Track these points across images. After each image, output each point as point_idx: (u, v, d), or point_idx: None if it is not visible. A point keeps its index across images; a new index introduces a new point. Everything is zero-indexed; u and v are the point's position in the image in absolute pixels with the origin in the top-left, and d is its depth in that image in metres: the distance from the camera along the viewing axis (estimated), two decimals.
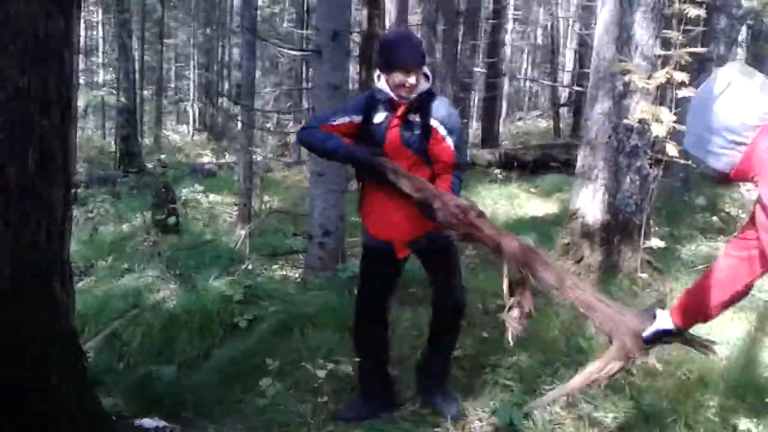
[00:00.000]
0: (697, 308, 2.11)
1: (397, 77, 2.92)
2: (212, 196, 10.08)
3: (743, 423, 2.87)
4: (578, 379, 2.36)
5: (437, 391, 3.31)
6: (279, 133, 14.23)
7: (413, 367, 3.69)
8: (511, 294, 2.53)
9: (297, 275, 5.55)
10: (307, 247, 5.30)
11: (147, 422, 3.16)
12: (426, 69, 3.03)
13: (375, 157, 2.95)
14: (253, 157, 8.47)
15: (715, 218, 6.89)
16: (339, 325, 4.24)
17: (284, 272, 5.69)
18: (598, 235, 4.60)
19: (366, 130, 3.05)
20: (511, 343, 2.55)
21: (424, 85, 3.01)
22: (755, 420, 2.93)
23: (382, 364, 3.37)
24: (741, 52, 13.28)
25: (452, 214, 2.65)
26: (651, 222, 4.67)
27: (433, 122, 2.99)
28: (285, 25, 23.98)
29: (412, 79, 2.93)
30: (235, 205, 9.30)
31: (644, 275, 4.33)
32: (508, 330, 2.53)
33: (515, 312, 2.52)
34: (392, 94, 2.97)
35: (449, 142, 3.00)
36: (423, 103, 3.00)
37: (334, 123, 3.04)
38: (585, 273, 4.47)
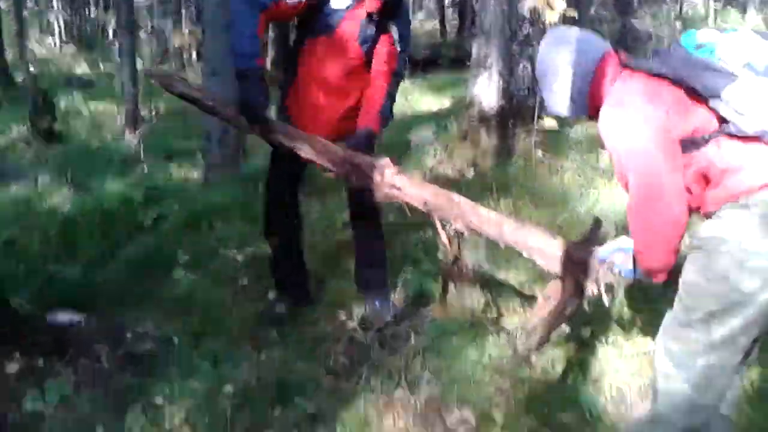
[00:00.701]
0: None
1: None
2: (93, 105, 9.54)
3: None
4: (547, 323, 2.37)
5: (375, 295, 3.24)
6: (159, 38, 13.47)
7: (323, 253, 3.80)
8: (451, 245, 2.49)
9: (197, 175, 5.45)
10: (206, 146, 5.20)
11: (60, 316, 3.11)
12: None
13: (263, 116, 2.75)
14: (137, 60, 8.03)
15: None
16: (250, 218, 4.24)
17: (183, 174, 5.57)
18: (494, 119, 4.79)
19: (314, 12, 2.80)
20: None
21: None
22: None
23: (297, 256, 3.30)
24: None
25: (367, 176, 2.47)
26: (542, 105, 4.89)
27: (392, 27, 2.86)
28: None
29: None
30: (118, 114, 8.88)
31: (538, 153, 4.59)
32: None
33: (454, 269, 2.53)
34: None
35: (398, 47, 2.88)
36: (394, 6, 2.82)
37: (288, 2, 2.73)
38: (483, 156, 4.68)
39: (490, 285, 3.34)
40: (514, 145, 4.77)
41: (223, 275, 3.53)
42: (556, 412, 2.55)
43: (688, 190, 1.88)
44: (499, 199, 4.17)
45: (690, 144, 1.86)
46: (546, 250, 2.37)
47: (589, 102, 2.07)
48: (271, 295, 3.33)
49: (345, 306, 3.26)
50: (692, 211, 1.92)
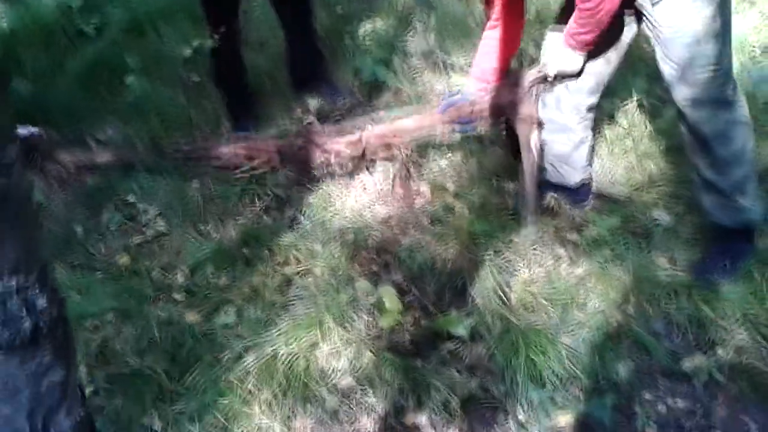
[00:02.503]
0: None
1: None
2: None
3: None
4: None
5: (319, 82, 3.29)
6: None
7: (280, 55, 3.75)
8: None
9: None
10: None
11: (19, 130, 3.13)
12: None
13: None
14: None
15: None
16: (194, 16, 4.11)
17: None
18: None
19: None
20: None
21: None
22: None
23: (242, 78, 3.27)
24: None
25: None
26: None
27: None
28: None
29: None
30: None
31: None
32: None
33: None
34: None
35: None
36: None
37: None
38: None
39: (442, 68, 3.41)
40: None
41: (175, 77, 3.52)
42: (502, 181, 2.77)
43: None
44: None
45: None
46: None
47: None
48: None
49: (300, 100, 3.32)
50: None
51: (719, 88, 2.06)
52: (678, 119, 2.22)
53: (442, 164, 2.87)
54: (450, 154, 2.92)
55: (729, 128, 2.12)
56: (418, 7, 3.80)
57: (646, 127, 2.83)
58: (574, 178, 2.57)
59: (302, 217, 2.67)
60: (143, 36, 4.00)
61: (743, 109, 2.16)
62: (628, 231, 2.49)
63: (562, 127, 2.44)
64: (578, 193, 2.60)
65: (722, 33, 1.99)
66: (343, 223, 2.61)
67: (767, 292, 2.20)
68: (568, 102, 2.38)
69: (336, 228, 2.59)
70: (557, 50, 2.22)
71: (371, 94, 3.37)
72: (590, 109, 2.41)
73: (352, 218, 2.65)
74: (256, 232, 2.57)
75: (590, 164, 2.64)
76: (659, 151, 2.80)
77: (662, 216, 2.52)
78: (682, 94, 2.08)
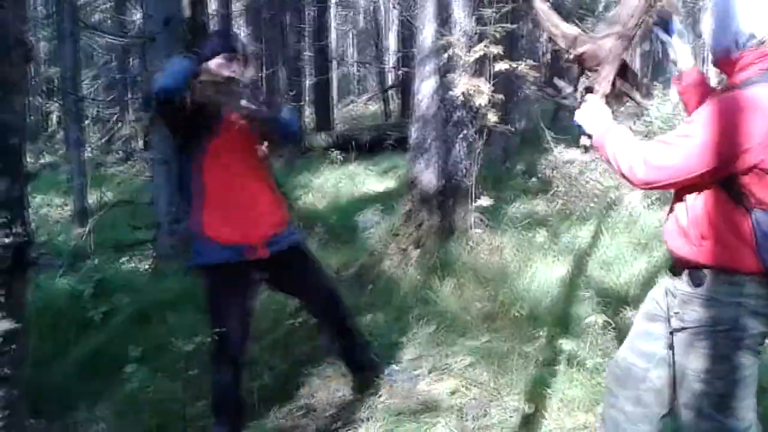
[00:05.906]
0: None
1: None
2: (39, 198, 9.48)
3: (567, 344, 3.36)
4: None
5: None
6: (106, 125, 13.52)
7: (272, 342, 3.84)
8: None
9: (147, 266, 5.48)
10: (156, 236, 5.26)
11: None
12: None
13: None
14: (85, 150, 8.10)
15: (533, 180, 7.64)
16: (201, 308, 4.29)
17: (133, 265, 5.58)
18: (435, 199, 4.99)
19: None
20: None
21: None
22: (576, 340, 3.45)
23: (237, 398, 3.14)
24: None
25: None
26: (479, 185, 5.14)
27: None
28: (96, 16, 22.52)
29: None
30: (66, 204, 8.88)
31: (478, 231, 4.79)
32: None
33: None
34: None
35: None
36: None
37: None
38: (426, 235, 4.86)
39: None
40: (454, 224, 4.97)
41: (173, 368, 3.55)
42: None
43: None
44: (444, 277, 4.33)
45: None
46: None
47: (729, 56, 1.98)
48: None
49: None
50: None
51: None
52: None
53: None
54: None
55: None
56: (417, 303, 3.98)
57: None
58: None
59: None
60: (148, 323, 4.13)
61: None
62: None
63: None
64: None
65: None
66: None
67: None
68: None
69: None
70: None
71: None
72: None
73: None
74: None
75: None
76: None
77: None
78: None
